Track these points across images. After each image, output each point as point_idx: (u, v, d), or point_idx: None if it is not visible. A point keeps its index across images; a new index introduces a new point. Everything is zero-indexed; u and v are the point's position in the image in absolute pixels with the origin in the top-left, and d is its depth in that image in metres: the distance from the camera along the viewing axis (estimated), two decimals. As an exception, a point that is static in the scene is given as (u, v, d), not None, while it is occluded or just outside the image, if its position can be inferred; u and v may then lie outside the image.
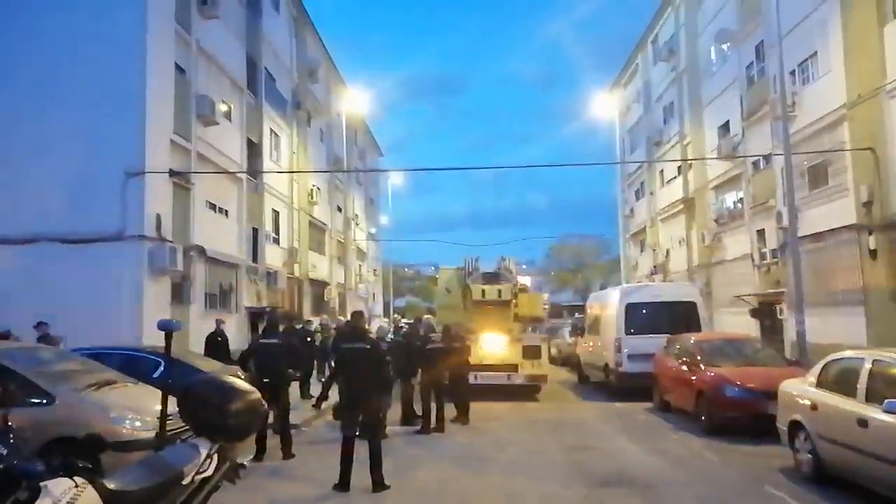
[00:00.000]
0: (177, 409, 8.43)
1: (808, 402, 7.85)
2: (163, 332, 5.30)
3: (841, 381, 7.51)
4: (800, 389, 8.25)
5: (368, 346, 7.95)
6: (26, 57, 15.87)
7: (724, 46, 24.71)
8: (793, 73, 19.22)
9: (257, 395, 4.71)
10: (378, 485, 7.58)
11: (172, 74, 17.26)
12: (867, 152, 15.60)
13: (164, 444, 5.13)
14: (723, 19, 24.54)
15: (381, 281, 54.55)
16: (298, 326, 17.50)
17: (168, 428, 8.04)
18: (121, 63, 15.49)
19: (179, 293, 17.08)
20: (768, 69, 21.01)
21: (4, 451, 3.29)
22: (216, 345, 14.74)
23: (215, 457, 4.46)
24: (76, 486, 3.51)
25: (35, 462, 3.43)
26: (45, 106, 15.62)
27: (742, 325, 21.74)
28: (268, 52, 25.09)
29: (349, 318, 9.19)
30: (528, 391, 16.13)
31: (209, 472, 4.40)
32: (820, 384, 7.88)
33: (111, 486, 3.74)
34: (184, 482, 4.22)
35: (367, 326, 9.07)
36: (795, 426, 8.10)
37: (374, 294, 50.30)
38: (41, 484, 3.37)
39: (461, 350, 12.82)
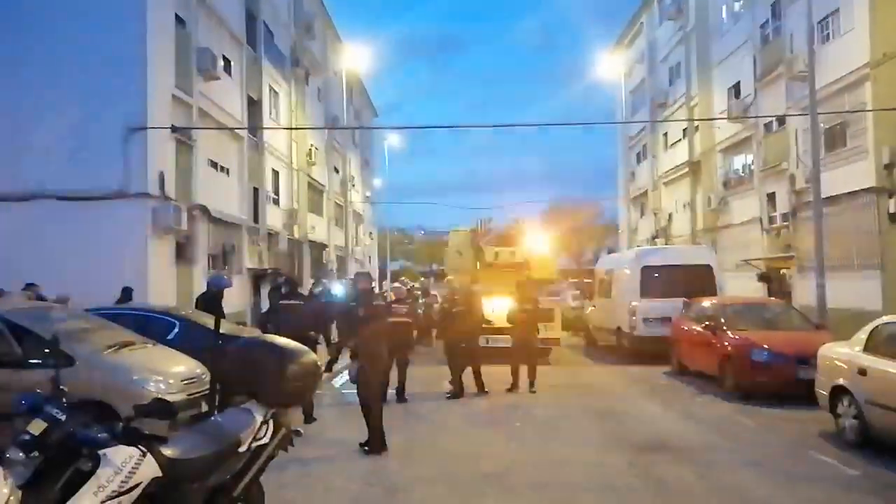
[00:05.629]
0: (198, 371, 8.19)
1: (855, 367, 7.60)
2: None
3: (893, 345, 7.27)
4: (844, 354, 8.00)
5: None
6: (24, 10, 15.11)
7: (737, 4, 24.08)
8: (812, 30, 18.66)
9: (313, 356, 4.40)
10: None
11: (173, 25, 16.54)
12: (891, 113, 15.20)
13: (213, 409, 4.84)
14: (736, -24, 23.91)
15: (377, 244, 54.11)
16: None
17: (190, 391, 7.81)
18: (120, 11, 14.80)
19: (183, 253, 16.65)
20: (784, 28, 20.48)
21: (63, 418, 2.95)
22: (219, 305, 14.34)
23: (271, 423, 4.16)
24: (136, 454, 3.23)
25: (95, 429, 3.12)
26: (43, 59, 14.91)
27: (748, 289, 21.53)
28: (266, 6, 24.23)
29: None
30: (538, 354, 15.87)
31: (265, 440, 4.11)
32: (868, 349, 7.64)
33: (169, 453, 3.50)
34: (240, 450, 3.96)
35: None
36: (839, 391, 7.88)
37: (369, 257, 49.91)
38: (100, 452, 3.08)
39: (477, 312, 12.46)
